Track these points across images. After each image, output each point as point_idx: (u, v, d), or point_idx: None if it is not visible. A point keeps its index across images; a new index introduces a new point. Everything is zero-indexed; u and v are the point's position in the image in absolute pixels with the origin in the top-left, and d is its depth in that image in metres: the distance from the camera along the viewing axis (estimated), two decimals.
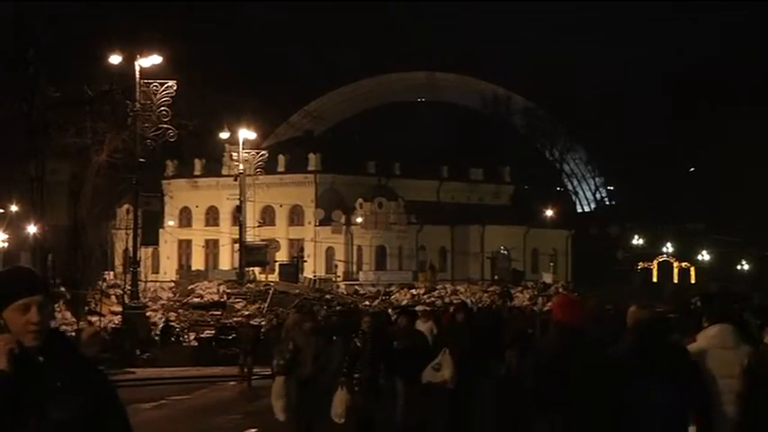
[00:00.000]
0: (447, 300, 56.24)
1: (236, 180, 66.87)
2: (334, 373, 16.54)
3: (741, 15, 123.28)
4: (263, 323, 42.57)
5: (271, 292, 54.83)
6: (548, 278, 78.70)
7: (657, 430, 7.87)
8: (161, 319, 47.08)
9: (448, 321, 19.06)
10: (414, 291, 64.06)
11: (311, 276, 77.96)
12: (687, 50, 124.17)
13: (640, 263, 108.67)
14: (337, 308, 47.16)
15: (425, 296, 60.46)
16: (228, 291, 55.38)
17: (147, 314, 45.15)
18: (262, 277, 72.10)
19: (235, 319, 45.12)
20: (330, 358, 16.97)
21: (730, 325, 8.66)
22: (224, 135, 66.97)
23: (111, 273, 67.15)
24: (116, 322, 43.05)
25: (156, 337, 43.27)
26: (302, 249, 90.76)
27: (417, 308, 35.49)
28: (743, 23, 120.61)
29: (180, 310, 49.83)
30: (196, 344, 43.10)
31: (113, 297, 50.25)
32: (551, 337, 8.64)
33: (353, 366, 16.18)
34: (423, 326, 21.69)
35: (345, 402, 15.83)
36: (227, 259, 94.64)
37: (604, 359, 8.09)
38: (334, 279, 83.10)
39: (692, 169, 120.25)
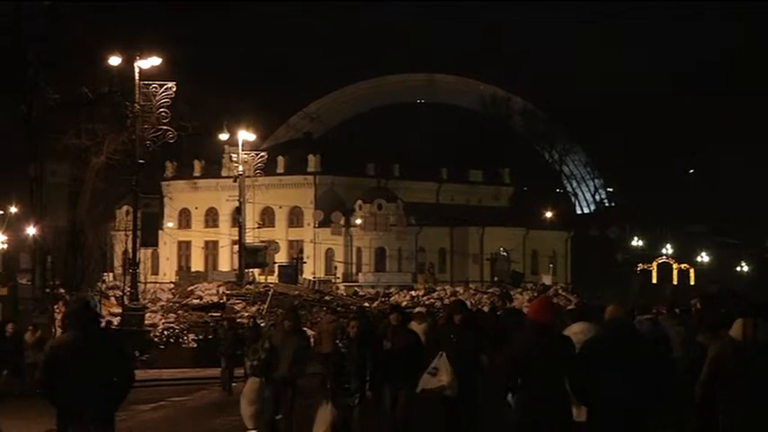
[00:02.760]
0: (447, 301, 56.20)
1: (235, 181, 66.81)
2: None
3: (741, 15, 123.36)
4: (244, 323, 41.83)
5: (270, 293, 54.78)
6: (547, 280, 78.65)
7: (620, 411, 9.43)
8: (161, 320, 47.06)
9: (444, 322, 17.60)
10: (413, 292, 64.00)
11: (311, 278, 77.95)
12: (687, 51, 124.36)
13: (640, 264, 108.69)
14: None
15: (425, 297, 60.40)
16: (228, 292, 55.31)
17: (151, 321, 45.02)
18: (261, 279, 72.05)
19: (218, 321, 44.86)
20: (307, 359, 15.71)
21: (589, 323, 11.10)
22: (223, 136, 66.91)
23: (111, 274, 67.16)
24: (115, 324, 43.01)
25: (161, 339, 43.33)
26: (302, 251, 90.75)
27: (416, 310, 35.38)
28: (743, 23, 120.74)
29: (179, 312, 49.78)
30: (195, 345, 43.05)
31: (113, 298, 50.23)
32: (526, 332, 10.36)
33: (339, 376, 15.33)
34: (417, 328, 21.01)
35: (330, 418, 14.38)
36: (226, 260, 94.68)
37: (569, 350, 9.95)
38: (333, 280, 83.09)
39: (692, 171, 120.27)
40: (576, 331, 11.13)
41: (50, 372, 10.22)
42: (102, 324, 14.43)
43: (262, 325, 38.78)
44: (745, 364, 9.53)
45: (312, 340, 36.25)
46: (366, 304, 55.34)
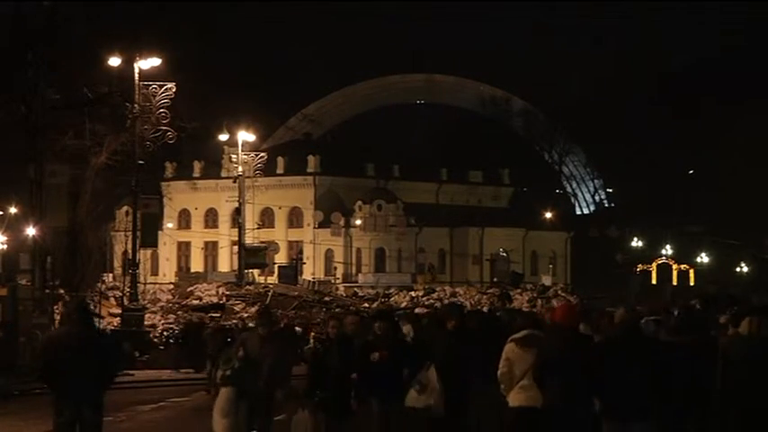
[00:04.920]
0: (447, 302, 56.19)
1: (235, 182, 66.85)
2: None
3: (740, 15, 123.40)
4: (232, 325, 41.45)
5: (270, 294, 54.81)
6: (547, 280, 78.60)
7: (629, 398, 10.64)
8: (160, 321, 47.14)
9: (435, 328, 15.41)
10: (413, 293, 63.98)
11: (310, 278, 77.95)
12: (686, 51, 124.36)
13: (639, 265, 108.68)
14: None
15: (424, 298, 60.39)
16: (227, 293, 55.32)
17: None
18: (261, 279, 72.10)
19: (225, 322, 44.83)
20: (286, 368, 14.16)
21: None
22: (223, 137, 66.95)
23: (111, 275, 67.08)
24: (115, 324, 43.03)
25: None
26: (301, 251, 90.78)
27: (416, 310, 35.30)
28: (742, 23, 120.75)
29: (179, 312, 49.82)
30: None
31: (112, 299, 50.23)
32: (553, 333, 11.60)
33: (317, 382, 13.44)
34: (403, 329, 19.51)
35: (307, 429, 13.43)
36: (226, 261, 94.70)
37: (589, 348, 11.27)
38: (333, 281, 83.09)
39: (691, 171, 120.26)
40: None
41: (46, 359, 11.95)
42: (98, 324, 15.51)
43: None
44: (749, 355, 11.27)
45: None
46: (365, 305, 55.39)
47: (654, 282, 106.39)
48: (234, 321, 45.25)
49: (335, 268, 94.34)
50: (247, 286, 59.47)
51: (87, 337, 11.86)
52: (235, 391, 13.87)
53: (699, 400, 11.62)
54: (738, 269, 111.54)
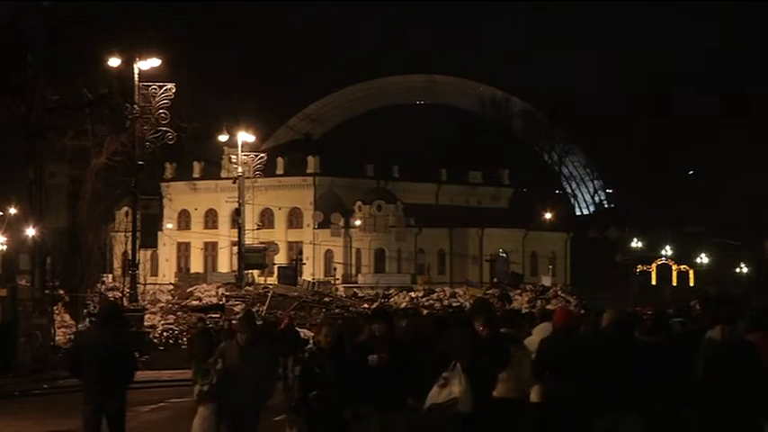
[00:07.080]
0: (446, 302, 56.29)
1: (234, 183, 66.88)
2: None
3: (739, 16, 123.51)
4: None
5: (269, 294, 54.82)
6: (546, 281, 78.58)
7: (619, 394, 11.47)
8: (160, 322, 47.18)
9: (462, 326, 13.50)
10: (412, 293, 64.01)
11: (310, 279, 78.00)
12: (686, 51, 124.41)
13: (639, 266, 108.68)
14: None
15: (424, 299, 60.42)
16: (227, 293, 55.36)
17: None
18: (260, 280, 72.14)
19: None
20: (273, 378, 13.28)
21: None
22: (223, 138, 66.98)
23: (110, 275, 67.13)
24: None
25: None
26: (301, 252, 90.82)
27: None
28: (741, 23, 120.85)
29: (179, 313, 49.85)
30: None
31: (112, 299, 50.23)
32: (553, 334, 12.67)
33: (307, 396, 12.11)
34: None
35: None
36: (225, 262, 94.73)
37: (582, 348, 12.14)
38: (332, 282, 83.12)
39: (691, 172, 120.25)
40: (542, 328, 14.07)
41: (75, 353, 13.40)
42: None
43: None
44: (721, 358, 11.95)
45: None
46: (365, 305, 55.41)
47: (654, 282, 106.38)
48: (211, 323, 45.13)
49: (335, 269, 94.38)
50: (247, 287, 59.50)
51: (116, 339, 13.23)
52: (213, 410, 12.76)
53: (679, 396, 12.29)
54: (738, 270, 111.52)
